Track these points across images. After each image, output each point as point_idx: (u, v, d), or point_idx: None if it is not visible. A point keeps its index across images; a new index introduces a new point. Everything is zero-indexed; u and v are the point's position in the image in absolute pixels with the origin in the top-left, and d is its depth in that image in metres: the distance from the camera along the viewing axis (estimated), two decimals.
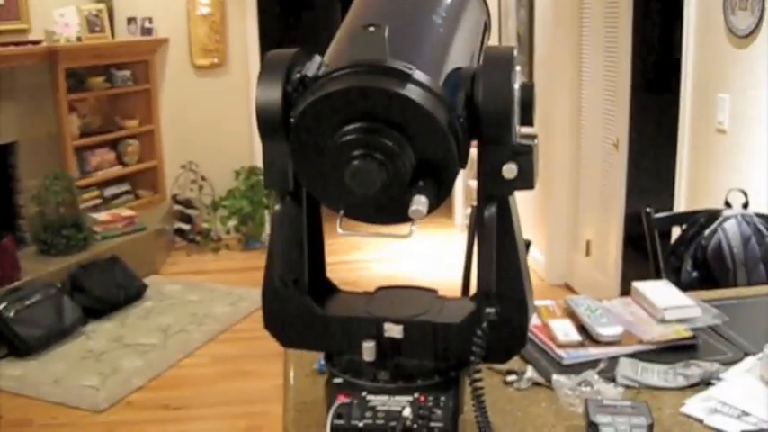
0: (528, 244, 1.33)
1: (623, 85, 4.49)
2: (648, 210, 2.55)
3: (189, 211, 6.71)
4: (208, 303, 5.30)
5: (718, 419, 1.38)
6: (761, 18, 3.05)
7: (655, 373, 1.54)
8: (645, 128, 4.47)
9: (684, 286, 2.31)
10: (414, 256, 6.18)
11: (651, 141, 4.31)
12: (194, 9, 6.52)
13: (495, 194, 1.20)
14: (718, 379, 1.53)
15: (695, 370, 1.54)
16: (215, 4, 6.54)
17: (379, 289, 1.43)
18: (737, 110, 3.25)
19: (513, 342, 1.28)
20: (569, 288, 5.28)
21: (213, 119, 6.62)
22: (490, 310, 1.23)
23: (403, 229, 1.20)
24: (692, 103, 3.61)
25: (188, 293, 5.50)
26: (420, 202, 1.13)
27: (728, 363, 1.60)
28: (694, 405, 1.44)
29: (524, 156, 1.18)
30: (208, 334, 4.84)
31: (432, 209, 1.15)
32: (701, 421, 1.39)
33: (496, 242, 1.21)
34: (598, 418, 1.28)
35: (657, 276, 2.47)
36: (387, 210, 1.19)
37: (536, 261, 5.53)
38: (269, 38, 6.90)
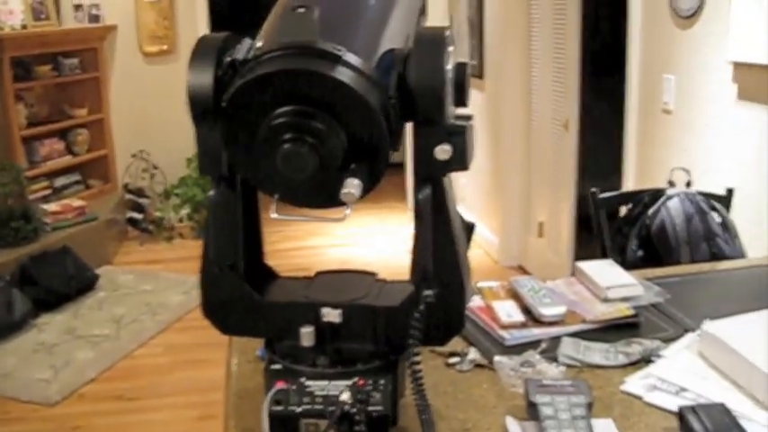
0: (471, 227, 1.33)
1: (572, 67, 4.52)
2: (594, 190, 2.58)
3: (141, 200, 6.64)
4: (161, 293, 5.25)
5: (656, 396, 1.40)
6: None
7: (596, 352, 1.55)
8: (594, 109, 4.51)
9: (629, 265, 2.33)
10: (370, 241, 6.18)
11: (601, 122, 4.34)
12: None
13: (429, 176, 1.19)
14: (659, 356, 1.54)
15: (636, 348, 1.55)
16: None
17: (319, 274, 1.41)
18: (683, 90, 3.29)
19: (452, 324, 1.28)
20: (523, 270, 5.31)
21: (164, 106, 6.55)
22: (428, 292, 1.22)
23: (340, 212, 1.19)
24: (638, 84, 3.64)
25: (141, 283, 5.45)
26: (352, 185, 1.11)
27: (669, 340, 1.62)
28: (634, 382, 1.45)
29: (458, 136, 1.17)
30: (161, 323, 4.81)
31: (365, 192, 1.14)
32: (640, 398, 1.40)
33: (432, 224, 1.21)
34: (537, 398, 1.28)
35: (604, 256, 2.49)
36: (320, 194, 1.18)
37: (490, 243, 5.56)
38: (220, 23, 6.82)
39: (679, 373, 1.47)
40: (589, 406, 1.28)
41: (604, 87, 4.20)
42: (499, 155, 5.32)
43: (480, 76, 5.58)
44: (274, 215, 1.21)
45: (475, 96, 5.83)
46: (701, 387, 1.41)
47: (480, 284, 1.86)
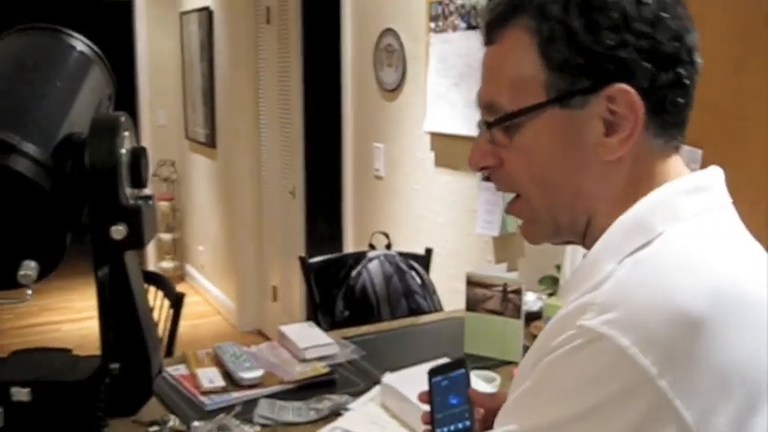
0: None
1: (297, 136, 4.73)
2: (302, 255, 2.73)
3: None
4: None
5: None
6: (404, 73, 3.36)
7: (290, 411, 1.66)
8: (318, 177, 4.71)
9: (337, 325, 2.49)
10: None
11: (324, 189, 4.55)
12: None
13: (107, 255, 1.25)
14: (347, 409, 1.68)
15: (326, 403, 1.68)
16: None
17: (13, 353, 1.43)
18: (390, 157, 3.54)
19: (139, 395, 1.34)
20: (261, 333, 5.39)
21: None
22: (114, 365, 1.28)
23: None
24: (353, 152, 3.87)
25: None
26: (29, 268, 1.16)
27: (360, 393, 1.76)
28: None
29: (134, 216, 1.24)
30: None
31: (45, 273, 1.19)
32: None
33: (113, 301, 1.27)
34: None
35: (316, 317, 2.62)
36: None
37: (227, 309, 5.62)
38: None
39: (362, 423, 1.61)
40: None
41: (326, 156, 4.40)
42: (232, 222, 5.40)
43: (213, 145, 5.67)
44: None
45: (207, 165, 5.90)
46: None
47: (192, 352, 1.93)
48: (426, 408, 1.22)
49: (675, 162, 0.86)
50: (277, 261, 5.17)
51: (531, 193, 0.88)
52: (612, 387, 0.69)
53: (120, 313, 1.28)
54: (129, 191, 1.26)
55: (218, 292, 5.89)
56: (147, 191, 1.32)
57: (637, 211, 0.81)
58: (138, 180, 1.27)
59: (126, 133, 1.24)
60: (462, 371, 1.22)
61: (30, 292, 1.23)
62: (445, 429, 1.18)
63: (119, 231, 1.23)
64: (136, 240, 1.25)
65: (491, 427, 1.17)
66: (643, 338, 0.69)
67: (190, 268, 6.57)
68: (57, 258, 1.21)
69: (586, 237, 0.87)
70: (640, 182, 0.83)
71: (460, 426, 1.16)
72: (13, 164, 1.14)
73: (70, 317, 6.04)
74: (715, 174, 0.86)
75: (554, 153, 0.84)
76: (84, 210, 1.25)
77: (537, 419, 0.74)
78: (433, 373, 1.24)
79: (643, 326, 0.70)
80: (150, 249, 6.67)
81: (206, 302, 6.11)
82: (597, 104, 0.81)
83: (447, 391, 1.21)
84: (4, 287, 1.23)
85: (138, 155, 1.26)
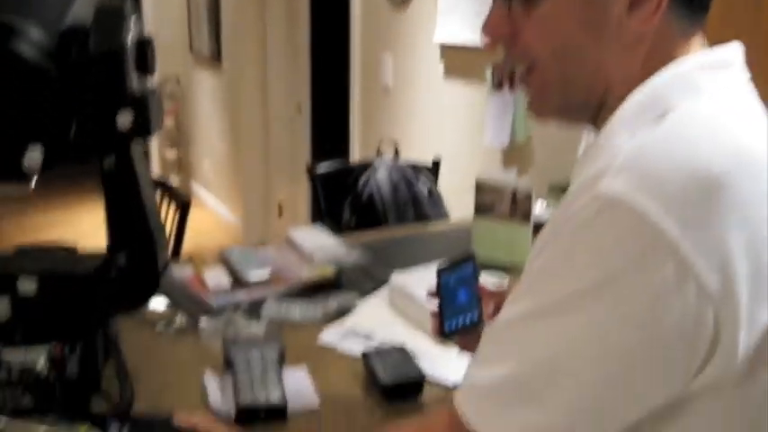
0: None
1: (303, 49, 4.67)
2: (309, 164, 2.70)
3: None
4: None
5: (347, 344, 1.52)
6: None
7: (297, 309, 1.65)
8: (325, 90, 4.66)
9: (344, 231, 2.48)
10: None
11: (331, 102, 4.50)
12: None
13: (112, 144, 1.23)
14: (354, 308, 1.67)
15: (333, 303, 1.67)
16: None
17: (18, 248, 1.42)
18: (399, 68, 3.49)
19: (146, 288, 1.33)
20: None
21: None
22: (120, 258, 1.27)
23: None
24: (360, 63, 3.82)
25: None
26: (34, 151, 1.14)
27: (367, 293, 1.75)
28: (330, 334, 1.57)
29: (140, 103, 1.21)
30: None
31: (51, 164, 1.17)
32: (334, 347, 1.52)
33: (119, 192, 1.25)
34: (232, 354, 1.36)
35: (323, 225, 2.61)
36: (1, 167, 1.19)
37: (233, 225, 5.62)
38: None
39: (369, 321, 1.60)
40: (281, 357, 1.37)
41: (332, 69, 4.35)
42: (237, 138, 5.37)
43: (218, 59, 5.61)
44: None
45: (212, 80, 5.84)
46: (387, 332, 1.55)
47: (192, 255, 1.92)
48: (435, 304, 1.23)
49: (697, 44, 0.83)
50: (283, 176, 5.15)
51: (546, 65, 0.84)
52: (632, 252, 0.67)
53: (127, 203, 1.26)
54: (135, 79, 1.23)
55: (223, 208, 5.89)
56: (152, 84, 1.29)
57: (654, 86, 0.78)
58: (144, 66, 1.24)
59: (132, 19, 1.21)
60: (470, 266, 1.23)
61: (32, 184, 1.20)
62: (453, 322, 1.19)
63: (126, 119, 1.21)
64: (143, 128, 1.23)
65: None
66: (662, 200, 0.66)
67: (195, 185, 6.57)
68: (62, 145, 1.19)
69: (598, 117, 0.85)
70: (660, 62, 0.80)
71: (468, 319, 1.17)
72: (16, 48, 1.11)
73: (77, 232, 6.06)
74: (735, 50, 0.83)
75: (574, 27, 0.81)
76: (89, 97, 1.22)
77: (554, 294, 0.71)
78: (442, 270, 1.25)
79: (661, 187, 0.67)
80: (155, 166, 6.66)
81: (211, 218, 6.11)
82: None
83: (456, 286, 1.22)
84: (9, 177, 1.21)
85: (144, 43, 1.23)
